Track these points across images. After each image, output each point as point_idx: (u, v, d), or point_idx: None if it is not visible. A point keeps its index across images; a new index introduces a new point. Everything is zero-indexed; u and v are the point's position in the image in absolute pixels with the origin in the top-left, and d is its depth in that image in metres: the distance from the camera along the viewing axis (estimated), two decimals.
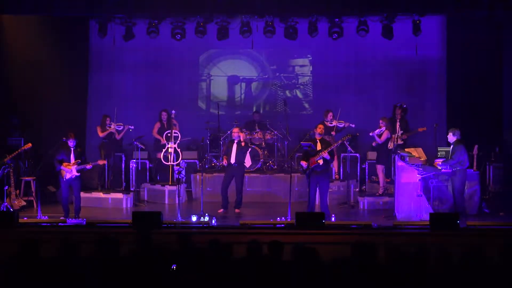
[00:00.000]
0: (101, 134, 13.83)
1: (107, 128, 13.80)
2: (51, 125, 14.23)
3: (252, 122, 15.27)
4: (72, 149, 11.50)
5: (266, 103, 16.51)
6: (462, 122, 13.32)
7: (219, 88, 16.55)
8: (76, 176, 11.49)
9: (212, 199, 13.00)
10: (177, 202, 12.07)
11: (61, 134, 12.61)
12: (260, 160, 14.31)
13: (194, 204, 13.35)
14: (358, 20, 13.61)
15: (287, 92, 16.39)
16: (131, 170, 14.14)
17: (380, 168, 13.23)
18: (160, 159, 13.80)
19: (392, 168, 12.78)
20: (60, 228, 10.91)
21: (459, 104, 14.46)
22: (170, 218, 11.33)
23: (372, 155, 14.02)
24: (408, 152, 11.80)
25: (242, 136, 12.83)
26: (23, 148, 12.63)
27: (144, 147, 14.24)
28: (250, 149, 13.24)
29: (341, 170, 14.21)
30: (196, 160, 14.68)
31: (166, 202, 13.60)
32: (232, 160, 12.46)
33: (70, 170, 11.43)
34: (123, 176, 14.16)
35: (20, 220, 11.00)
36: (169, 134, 13.76)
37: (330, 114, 13.90)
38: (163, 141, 13.91)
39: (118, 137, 14.08)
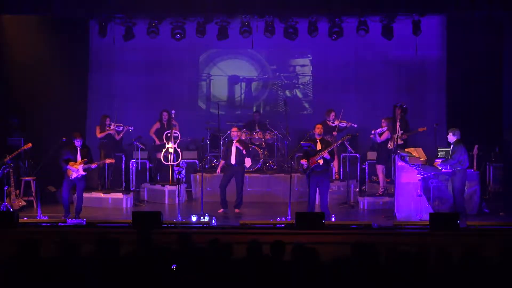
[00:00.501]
0: (99, 135, 13.81)
1: (107, 128, 13.79)
2: (51, 125, 14.21)
3: (252, 122, 15.27)
4: (78, 148, 11.52)
5: (266, 103, 16.52)
6: (462, 122, 13.32)
7: (219, 88, 16.55)
8: (82, 175, 11.50)
9: (212, 199, 12.99)
10: (177, 202, 12.07)
11: (61, 134, 12.61)
12: (260, 160, 14.31)
13: (194, 204, 13.35)
14: (358, 20, 13.61)
15: (287, 92, 16.40)
16: (131, 170, 14.14)
17: (380, 168, 13.24)
18: (160, 159, 13.80)
19: (392, 168, 12.78)
20: (60, 228, 10.91)
21: (459, 104, 14.45)
22: (170, 218, 11.34)
23: (372, 155, 14.02)
24: (408, 152, 11.80)
25: (239, 135, 12.80)
26: (23, 148, 12.63)
27: (144, 147, 14.25)
28: (250, 148, 13.26)
29: (341, 170, 14.21)
30: (196, 160, 14.68)
31: (166, 202, 13.60)
32: (233, 161, 12.46)
33: (76, 170, 11.44)
34: (123, 176, 14.16)
35: (20, 220, 11.00)
36: (169, 134, 13.76)
37: (332, 113, 13.92)
38: (158, 141, 13.92)
39: (118, 137, 14.07)
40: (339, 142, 12.01)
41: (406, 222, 11.10)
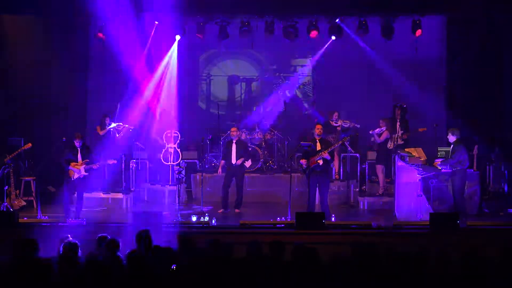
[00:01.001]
0: (101, 133, 13.82)
1: (107, 128, 13.78)
2: (51, 125, 14.21)
3: (252, 122, 15.26)
4: (78, 149, 11.52)
5: (266, 103, 16.50)
6: (462, 122, 13.33)
7: (219, 88, 16.55)
8: (84, 176, 11.50)
9: (212, 199, 12.99)
10: (177, 202, 12.07)
11: (61, 134, 12.60)
12: (260, 160, 14.31)
13: (194, 204, 13.34)
14: (358, 20, 13.63)
15: (287, 92, 16.38)
16: (131, 170, 14.13)
17: (380, 168, 13.24)
18: (160, 159, 13.80)
19: (392, 168, 12.78)
20: (60, 228, 10.90)
21: (459, 104, 14.45)
22: (170, 218, 11.33)
23: (372, 155, 14.01)
24: (408, 152, 11.81)
25: (239, 135, 12.81)
26: (23, 148, 12.62)
27: (144, 147, 14.24)
28: (250, 148, 13.26)
29: (341, 170, 14.21)
30: (196, 160, 14.68)
31: (166, 202, 13.59)
32: (233, 161, 12.46)
33: (78, 170, 11.44)
34: (123, 176, 14.15)
35: (20, 220, 11.01)
36: (169, 134, 13.76)
37: (336, 114, 13.95)
38: (161, 141, 13.92)
39: (118, 137, 14.07)
40: (340, 142, 12.02)
41: (406, 222, 11.10)
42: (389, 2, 12.88)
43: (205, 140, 14.55)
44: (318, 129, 11.63)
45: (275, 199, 13.57)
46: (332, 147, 11.51)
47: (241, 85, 16.54)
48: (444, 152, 12.10)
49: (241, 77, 16.49)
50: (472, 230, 10.59)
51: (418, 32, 13.59)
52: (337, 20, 13.77)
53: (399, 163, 11.72)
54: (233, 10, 13.10)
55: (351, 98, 15.60)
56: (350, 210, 12.92)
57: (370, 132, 13.36)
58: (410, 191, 11.40)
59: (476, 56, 13.93)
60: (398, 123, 13.14)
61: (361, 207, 13.01)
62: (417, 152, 11.82)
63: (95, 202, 13.14)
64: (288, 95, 16.33)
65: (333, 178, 13.84)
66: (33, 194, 13.01)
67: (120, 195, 13.35)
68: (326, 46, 14.93)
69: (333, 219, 11.31)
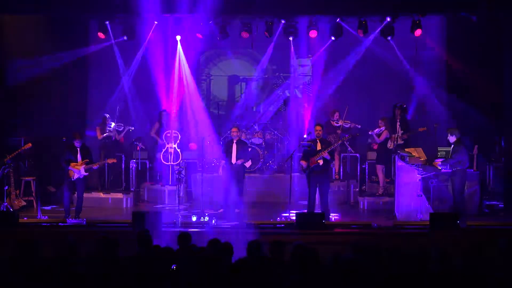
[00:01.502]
0: (99, 137, 13.81)
1: (107, 128, 13.79)
2: (51, 125, 14.21)
3: (252, 122, 15.26)
4: (78, 149, 11.51)
5: (266, 103, 16.49)
6: (462, 122, 13.32)
7: (219, 88, 16.54)
8: (84, 176, 11.50)
9: (212, 199, 12.98)
10: (177, 202, 12.07)
11: (61, 134, 12.59)
12: (260, 160, 14.30)
13: (194, 204, 13.34)
14: (358, 20, 13.62)
15: (287, 92, 16.37)
16: (131, 170, 14.13)
17: (380, 168, 13.24)
18: (160, 159, 13.80)
19: (392, 168, 12.78)
20: (60, 228, 10.91)
21: (459, 104, 14.44)
22: (170, 218, 11.33)
23: (372, 155, 14.02)
24: (408, 152, 11.81)
25: (239, 135, 12.80)
26: (23, 148, 12.62)
27: (144, 147, 14.24)
28: (250, 148, 13.26)
29: (341, 170, 14.21)
30: (196, 160, 14.67)
31: (166, 202, 13.59)
32: (233, 160, 12.46)
33: (78, 171, 11.44)
34: (123, 176, 14.15)
35: (20, 220, 11.01)
36: (168, 134, 13.76)
37: (337, 114, 13.97)
38: (161, 141, 13.92)
39: (118, 137, 14.07)
40: (339, 142, 12.02)
41: (406, 222, 11.10)
42: (389, 2, 12.86)
43: (205, 140, 14.54)
44: (318, 129, 11.63)
45: (275, 199, 13.57)
46: (332, 147, 11.50)
47: (241, 85, 16.53)
48: (444, 152, 12.10)
49: (241, 77, 16.48)
50: (472, 230, 10.58)
51: (418, 32, 13.58)
52: (337, 20, 13.76)
53: (399, 163, 11.72)
54: (233, 10, 13.09)
55: (350, 98, 15.58)
56: (350, 210, 12.91)
57: (369, 132, 13.36)
58: (410, 191, 11.40)
59: (476, 56, 13.91)
60: (398, 123, 13.13)
61: (361, 207, 13.01)
62: (417, 152, 11.82)
63: (95, 202, 13.14)
64: (288, 95, 16.33)
65: (333, 178, 13.84)
66: (33, 194, 13.01)
67: (120, 195, 13.35)
68: (326, 46, 14.93)
69: (333, 219, 11.30)
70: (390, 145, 13.03)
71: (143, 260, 6.15)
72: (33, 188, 13.08)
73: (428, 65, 15.41)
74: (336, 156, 13.56)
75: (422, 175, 11.44)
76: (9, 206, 11.93)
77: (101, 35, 14.12)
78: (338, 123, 13.84)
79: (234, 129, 12.79)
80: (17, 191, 12.56)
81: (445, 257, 5.92)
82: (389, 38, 13.92)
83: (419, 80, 15.39)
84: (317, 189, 11.49)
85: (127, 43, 14.24)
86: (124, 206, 13.20)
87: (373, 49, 15.27)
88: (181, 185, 12.42)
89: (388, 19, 13.50)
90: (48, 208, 12.51)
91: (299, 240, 8.71)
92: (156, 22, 14.00)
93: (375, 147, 13.64)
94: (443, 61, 15.18)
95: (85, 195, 11.89)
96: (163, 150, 13.73)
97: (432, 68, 15.48)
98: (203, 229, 10.65)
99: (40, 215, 11.46)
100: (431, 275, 5.70)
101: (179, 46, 14.73)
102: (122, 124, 14.05)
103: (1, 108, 13.86)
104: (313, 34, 14.08)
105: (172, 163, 13.61)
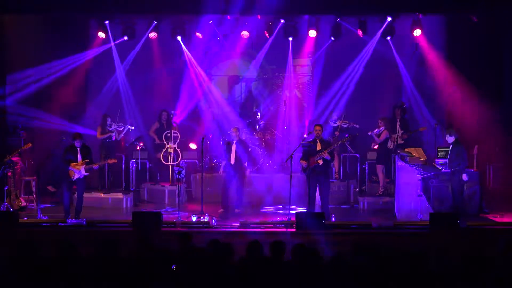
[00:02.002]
0: (99, 136, 13.81)
1: (107, 128, 13.79)
2: (51, 125, 14.21)
3: (253, 122, 15.26)
4: (78, 149, 11.52)
5: (266, 103, 16.49)
6: (462, 122, 13.32)
7: (219, 88, 16.54)
8: (84, 176, 11.50)
9: (212, 199, 12.99)
10: (177, 202, 12.07)
11: (61, 134, 12.58)
12: (260, 160, 14.31)
13: (194, 204, 13.34)
14: (358, 20, 13.63)
15: (286, 92, 16.37)
16: (131, 170, 14.14)
17: (380, 168, 13.25)
18: (160, 159, 13.80)
19: (392, 168, 12.78)
20: (60, 228, 10.91)
21: (459, 104, 14.45)
22: (170, 218, 11.34)
23: (372, 155, 14.03)
24: (408, 152, 11.81)
25: (239, 135, 12.80)
26: (23, 148, 12.62)
27: (144, 147, 14.25)
28: (250, 148, 13.25)
29: (341, 170, 14.21)
30: (196, 160, 14.68)
31: (166, 202, 13.60)
32: (232, 161, 12.46)
33: (79, 171, 11.44)
34: (123, 176, 14.16)
35: (20, 220, 11.01)
36: (168, 134, 13.76)
37: (335, 114, 13.94)
38: (158, 140, 13.93)
39: (118, 137, 14.08)
40: (339, 142, 12.02)
41: (406, 222, 11.11)
42: (389, 2, 12.87)
43: (205, 140, 14.54)
44: (318, 130, 11.63)
45: (274, 199, 13.57)
46: (332, 147, 11.50)
47: (241, 85, 16.53)
48: (444, 152, 12.09)
49: (241, 77, 16.48)
50: (472, 230, 10.58)
51: (418, 31, 13.59)
52: (337, 20, 13.77)
53: (399, 163, 11.72)
54: (233, 10, 13.09)
55: (351, 98, 15.59)
56: (350, 210, 12.91)
57: (369, 133, 13.35)
58: (410, 191, 11.40)
59: (476, 56, 13.91)
60: (398, 123, 13.14)
61: (361, 207, 13.01)
62: (417, 152, 11.83)
63: (95, 202, 13.14)
64: (288, 95, 16.33)
65: (333, 178, 13.85)
66: (33, 194, 13.01)
67: (120, 195, 13.36)
68: (326, 46, 14.94)
69: (333, 219, 11.31)
70: (390, 145, 13.03)
71: (143, 260, 6.14)
72: (33, 188, 13.08)
73: (428, 65, 15.41)
74: (336, 156, 13.56)
75: (422, 175, 11.45)
76: (9, 206, 11.93)
77: (101, 34, 14.13)
78: (336, 124, 13.85)
79: (234, 129, 12.79)
80: (17, 191, 12.57)
81: (445, 257, 5.92)
82: (388, 38, 13.93)
83: (418, 80, 15.40)
84: (317, 189, 11.50)
85: (127, 43, 14.23)
86: (124, 206, 13.20)
87: (373, 49, 15.29)
88: (181, 185, 12.42)
89: (389, 18, 13.51)
90: (48, 208, 12.51)
91: (299, 240, 8.73)
92: (155, 22, 14.00)
93: (375, 147, 13.64)
94: (443, 61, 15.17)
95: (85, 195, 11.89)
96: (163, 150, 13.73)
97: (432, 68, 15.48)
98: (203, 229, 10.66)
99: (40, 215, 11.46)
100: (431, 275, 5.70)
101: (183, 46, 14.75)
102: (122, 124, 14.05)
103: (1, 108, 13.86)
104: (312, 34, 14.09)
105: (172, 163, 13.61)
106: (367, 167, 14.26)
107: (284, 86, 16.36)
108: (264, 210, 12.78)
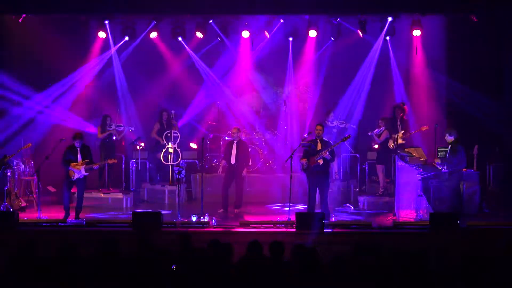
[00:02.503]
0: (100, 136, 13.81)
1: (108, 128, 13.79)
2: (51, 125, 14.22)
3: (253, 122, 15.26)
4: (78, 149, 11.51)
5: (266, 103, 16.48)
6: (462, 122, 13.32)
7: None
8: (84, 176, 11.50)
9: (212, 199, 12.98)
10: (177, 202, 12.08)
11: (61, 134, 12.57)
12: (260, 160, 14.30)
13: (194, 204, 13.35)
14: (358, 20, 13.63)
15: (286, 92, 16.35)
16: (131, 170, 14.14)
17: (380, 168, 13.25)
18: (160, 159, 13.80)
19: (392, 168, 12.78)
20: (60, 228, 10.92)
21: (459, 104, 14.44)
22: (170, 218, 11.34)
23: (372, 155, 14.03)
24: (408, 152, 11.81)
25: (239, 135, 12.79)
26: (23, 148, 12.62)
27: (144, 147, 14.25)
28: (250, 148, 13.26)
29: (341, 170, 14.20)
30: (196, 160, 14.68)
31: (166, 202, 13.60)
32: (232, 161, 12.46)
33: (79, 171, 11.43)
34: (123, 176, 14.16)
35: (20, 220, 11.01)
36: (168, 134, 13.76)
37: (331, 114, 13.94)
38: (163, 141, 13.93)
39: (118, 137, 14.08)
40: (339, 142, 12.02)
41: (406, 222, 11.11)
42: (389, 2, 12.87)
43: (205, 140, 14.55)
44: (318, 129, 11.62)
45: (275, 199, 13.57)
46: (332, 147, 11.50)
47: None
48: (444, 152, 12.09)
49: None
50: (472, 230, 10.58)
51: (418, 32, 13.59)
52: (337, 20, 13.76)
53: (399, 163, 11.72)
54: (233, 10, 13.10)
55: (350, 98, 15.57)
56: (350, 210, 12.91)
57: (369, 133, 13.34)
58: (410, 191, 11.40)
59: (476, 56, 13.91)
60: (398, 123, 13.13)
61: (361, 207, 13.01)
62: (417, 152, 11.82)
63: (95, 202, 13.14)
64: (288, 95, 16.31)
65: (333, 178, 13.84)
66: (33, 194, 13.00)
67: (120, 195, 13.36)
68: (326, 46, 14.93)
69: (333, 219, 11.31)
70: (390, 145, 13.03)
71: (143, 260, 6.14)
72: (33, 188, 13.08)
73: (428, 65, 15.41)
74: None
75: (422, 175, 11.45)
76: (9, 206, 11.93)
77: (101, 34, 14.12)
78: (332, 124, 13.84)
79: (234, 129, 12.79)
80: (17, 191, 12.56)
81: (445, 257, 5.92)
82: (387, 38, 13.93)
83: (419, 80, 15.40)
84: (317, 189, 11.49)
85: (127, 42, 14.22)
86: (124, 206, 13.20)
87: (373, 49, 15.28)
88: (181, 185, 12.42)
89: (390, 18, 13.51)
90: (48, 208, 12.50)
91: (299, 240, 8.74)
92: (154, 22, 14.00)
93: (376, 147, 13.64)
94: (443, 61, 15.16)
95: (85, 195, 11.90)
96: (163, 150, 13.74)
97: (432, 68, 15.47)
98: (203, 229, 10.66)
99: (40, 215, 11.46)
100: (431, 275, 5.71)
101: (186, 47, 14.75)
102: (122, 124, 14.05)
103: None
104: (312, 34, 14.08)
105: (172, 163, 13.61)
106: (367, 167, 14.26)
107: (284, 86, 16.35)
108: (264, 210, 12.77)
